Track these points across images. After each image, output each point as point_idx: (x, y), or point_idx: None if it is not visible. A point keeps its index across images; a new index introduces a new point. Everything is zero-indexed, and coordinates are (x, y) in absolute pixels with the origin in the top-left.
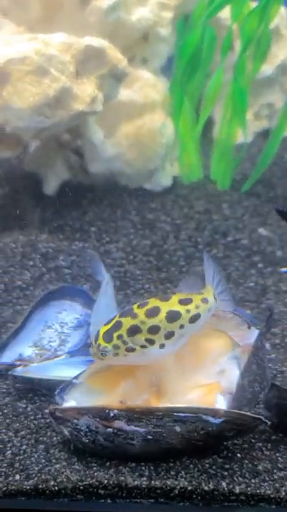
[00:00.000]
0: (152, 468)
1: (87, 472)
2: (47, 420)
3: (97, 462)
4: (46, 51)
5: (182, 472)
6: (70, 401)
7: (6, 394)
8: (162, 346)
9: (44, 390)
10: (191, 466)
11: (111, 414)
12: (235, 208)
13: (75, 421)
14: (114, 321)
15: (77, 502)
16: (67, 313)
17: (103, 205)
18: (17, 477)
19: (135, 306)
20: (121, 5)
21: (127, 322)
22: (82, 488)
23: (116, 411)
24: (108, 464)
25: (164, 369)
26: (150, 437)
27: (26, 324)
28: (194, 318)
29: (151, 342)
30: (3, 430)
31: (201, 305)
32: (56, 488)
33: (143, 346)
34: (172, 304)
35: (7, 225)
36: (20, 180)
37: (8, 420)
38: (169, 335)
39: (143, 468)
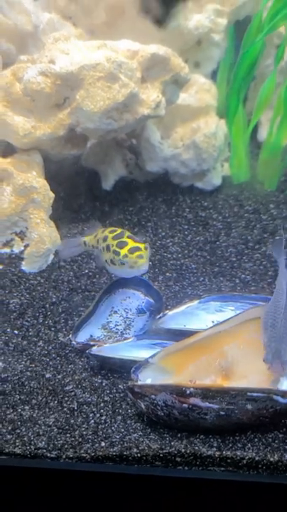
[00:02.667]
0: (220, 440)
1: (164, 442)
2: (122, 394)
3: (169, 433)
4: (116, 58)
5: (249, 444)
6: (146, 379)
7: (82, 370)
8: None
9: (116, 368)
10: (256, 439)
11: (188, 392)
12: (282, 208)
13: (153, 396)
14: (126, 237)
15: (156, 468)
16: (130, 301)
17: (158, 202)
18: (103, 444)
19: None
20: (180, 12)
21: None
22: (161, 455)
23: (192, 389)
24: (179, 435)
25: (230, 354)
26: (222, 413)
27: (96, 309)
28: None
29: None
30: (84, 402)
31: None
32: (139, 455)
33: None
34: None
35: (73, 218)
36: (80, 175)
37: (87, 393)
38: None
39: (212, 440)
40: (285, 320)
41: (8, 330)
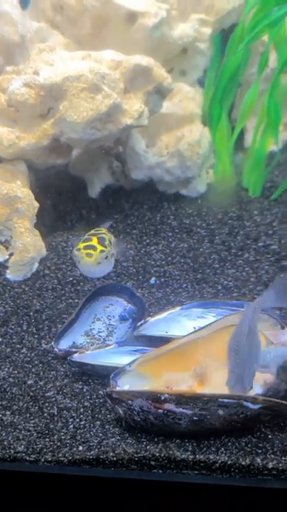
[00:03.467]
0: (195, 444)
1: (140, 446)
2: (101, 400)
3: (146, 437)
4: (99, 70)
5: (222, 449)
6: (124, 385)
7: (64, 376)
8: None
9: (97, 374)
10: (229, 443)
11: (163, 398)
12: (265, 214)
13: (130, 402)
14: (95, 237)
15: (132, 471)
16: (113, 308)
17: (143, 209)
18: (80, 448)
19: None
20: (164, 22)
21: (106, 236)
22: (136, 459)
23: (166, 395)
24: (156, 439)
25: (206, 361)
26: (195, 418)
27: (79, 316)
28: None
29: (113, 253)
30: (64, 408)
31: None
32: (115, 458)
33: (112, 255)
34: None
35: (58, 225)
36: (66, 183)
37: (67, 399)
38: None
39: (187, 444)
40: (248, 346)
41: None
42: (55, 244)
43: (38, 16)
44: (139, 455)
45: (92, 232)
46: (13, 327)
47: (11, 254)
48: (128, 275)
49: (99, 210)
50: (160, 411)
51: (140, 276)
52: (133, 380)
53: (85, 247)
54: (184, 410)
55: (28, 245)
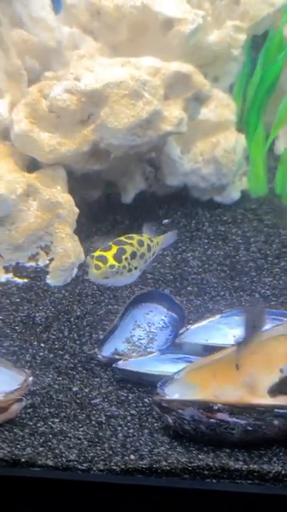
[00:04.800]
0: (246, 454)
1: (191, 455)
2: (147, 408)
3: (195, 447)
4: (140, 77)
5: (274, 458)
6: (172, 394)
7: (108, 383)
8: (139, 270)
9: (141, 382)
10: (281, 453)
11: (215, 407)
12: None
13: (180, 411)
14: (116, 247)
15: (184, 481)
16: (153, 315)
17: (177, 216)
18: (132, 457)
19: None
20: (200, 29)
21: (129, 248)
22: (190, 468)
23: (220, 405)
24: (205, 448)
25: (255, 371)
26: (249, 428)
27: (120, 323)
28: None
29: (137, 266)
30: (112, 415)
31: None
32: (168, 467)
33: (135, 268)
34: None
35: (95, 230)
36: (100, 188)
37: (113, 407)
38: (144, 262)
39: (238, 453)
40: None
41: (35, 343)
42: (92, 249)
43: (70, 21)
44: (193, 464)
45: (120, 239)
46: (54, 333)
47: (51, 260)
48: (165, 282)
49: (134, 215)
50: (213, 420)
51: (177, 283)
52: (181, 389)
53: (97, 258)
54: (238, 420)
55: (69, 250)
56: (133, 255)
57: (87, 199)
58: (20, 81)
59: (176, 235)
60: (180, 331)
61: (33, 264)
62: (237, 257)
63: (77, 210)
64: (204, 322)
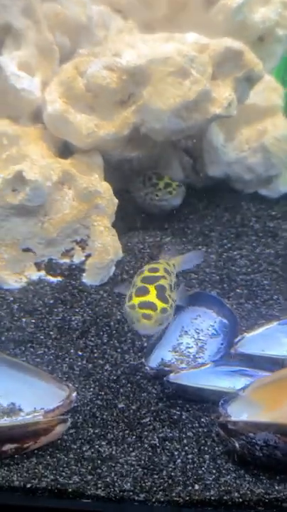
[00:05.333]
0: None
1: (264, 485)
2: (205, 429)
3: (266, 475)
4: (188, 52)
5: None
6: (236, 414)
7: (157, 399)
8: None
9: (194, 397)
10: None
11: None
12: None
13: (251, 435)
14: (153, 287)
15: None
16: (201, 320)
17: (220, 210)
18: (196, 487)
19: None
20: (247, 4)
21: (164, 282)
22: (266, 501)
23: None
24: (278, 477)
25: None
26: None
27: (166, 329)
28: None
29: (175, 299)
30: (166, 438)
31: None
32: (240, 499)
33: (174, 301)
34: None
35: (131, 226)
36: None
37: (167, 427)
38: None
39: None
40: None
41: (72, 351)
42: (130, 245)
43: None
44: (271, 496)
45: (147, 276)
46: (92, 339)
47: (87, 256)
48: (211, 283)
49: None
50: None
51: (225, 285)
52: (245, 409)
53: (141, 305)
54: None
55: (108, 246)
56: (170, 288)
57: (121, 190)
58: (52, 57)
59: (202, 255)
60: (236, 340)
61: (67, 260)
62: None
63: (116, 201)
64: (260, 329)
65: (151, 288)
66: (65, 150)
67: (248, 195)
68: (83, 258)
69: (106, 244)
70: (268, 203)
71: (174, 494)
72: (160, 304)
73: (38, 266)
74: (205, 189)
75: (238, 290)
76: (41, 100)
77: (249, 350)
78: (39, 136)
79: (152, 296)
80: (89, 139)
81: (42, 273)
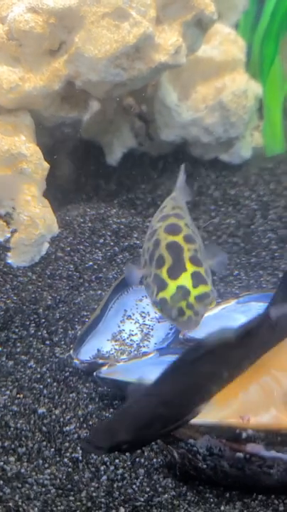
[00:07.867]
0: None
1: (209, 506)
2: None
3: (213, 493)
4: None
5: None
6: None
7: (88, 400)
8: None
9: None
10: None
11: (244, 436)
12: None
13: (192, 441)
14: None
15: None
16: (148, 301)
17: (175, 178)
18: (121, 510)
19: None
20: None
21: (197, 246)
22: None
23: (250, 431)
24: (228, 495)
25: None
26: None
27: (104, 314)
28: None
29: None
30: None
31: None
32: None
33: None
34: None
35: (72, 198)
36: (79, 148)
37: None
38: None
39: (277, 502)
40: None
41: None
42: (69, 219)
43: None
44: None
45: (173, 242)
46: (16, 330)
47: (13, 232)
48: None
49: (121, 179)
50: (240, 455)
51: None
52: None
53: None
54: (279, 454)
55: (37, 218)
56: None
57: (62, 158)
58: None
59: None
60: None
61: None
62: (252, 227)
63: (46, 166)
64: (216, 310)
65: (188, 265)
66: None
67: (208, 162)
68: (8, 235)
69: (34, 217)
70: (229, 169)
71: None
72: (204, 287)
73: None
74: (161, 157)
75: None
76: None
77: (201, 334)
78: None
79: (187, 276)
80: (11, 94)
81: None
